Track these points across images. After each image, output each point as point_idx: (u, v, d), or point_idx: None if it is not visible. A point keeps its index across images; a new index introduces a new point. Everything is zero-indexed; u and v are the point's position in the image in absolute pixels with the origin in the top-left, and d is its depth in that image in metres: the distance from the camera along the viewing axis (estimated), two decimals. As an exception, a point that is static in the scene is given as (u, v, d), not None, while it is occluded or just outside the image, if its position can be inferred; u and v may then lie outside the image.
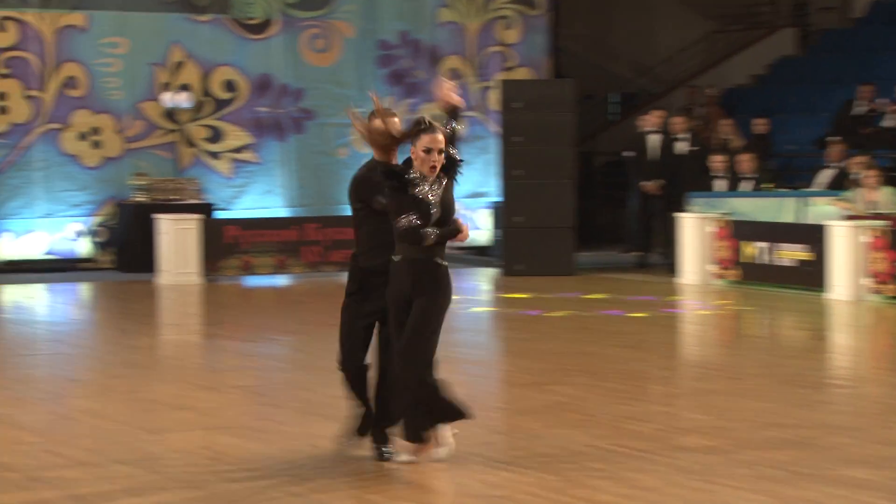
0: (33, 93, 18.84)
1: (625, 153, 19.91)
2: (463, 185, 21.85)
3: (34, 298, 16.45)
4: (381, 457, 7.55)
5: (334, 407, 9.12)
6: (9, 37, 18.72)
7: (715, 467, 7.46)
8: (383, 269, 7.42)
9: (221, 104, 19.87)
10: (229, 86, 19.93)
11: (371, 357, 7.76)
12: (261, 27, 20.05)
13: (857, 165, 16.97)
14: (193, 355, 12.21)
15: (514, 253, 18.41)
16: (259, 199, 19.97)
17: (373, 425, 7.66)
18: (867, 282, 15.25)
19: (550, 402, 9.40)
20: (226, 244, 17.84)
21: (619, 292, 16.07)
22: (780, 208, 17.21)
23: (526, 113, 18.39)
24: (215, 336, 13.36)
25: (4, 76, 18.68)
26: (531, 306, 14.95)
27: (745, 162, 18.22)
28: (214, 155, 19.88)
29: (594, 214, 22.16)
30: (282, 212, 19.82)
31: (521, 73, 21.28)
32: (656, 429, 7.75)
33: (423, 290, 7.28)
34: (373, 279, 7.56)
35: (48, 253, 18.87)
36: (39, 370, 11.06)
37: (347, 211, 21.56)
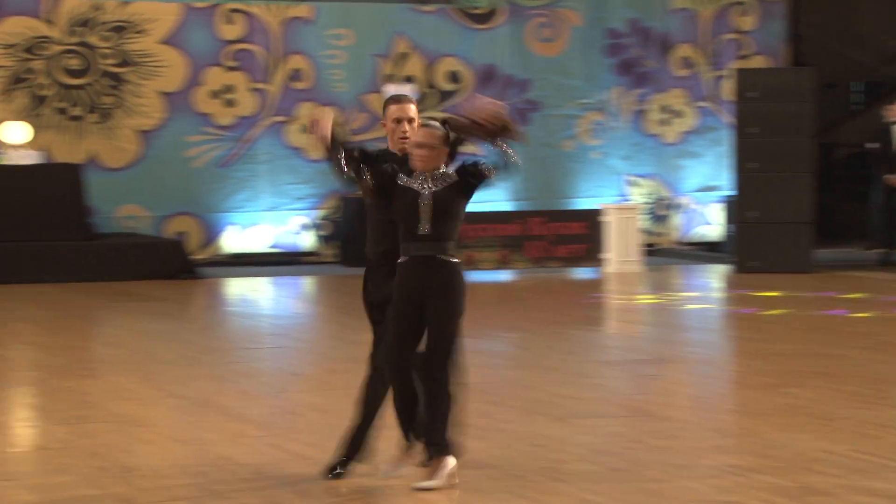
0: (259, 85, 18.96)
1: (868, 145, 19.13)
2: (693, 178, 21.35)
3: (258, 291, 16.55)
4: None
5: (558, 406, 8.98)
6: (236, 29, 18.87)
7: None
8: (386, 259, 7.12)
9: (445, 95, 19.74)
10: (453, 77, 19.79)
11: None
12: (486, 17, 19.86)
13: None
14: (414, 350, 12.00)
15: (747, 249, 17.87)
16: (482, 192, 19.71)
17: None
18: None
19: (784, 405, 9.09)
20: (466, 236, 17.70)
21: (868, 291, 15.41)
22: None
23: (762, 103, 17.81)
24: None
25: (231, 69, 18.83)
26: (765, 305, 14.45)
27: None
28: (438, 148, 19.72)
29: (833, 209, 21.37)
30: (505, 205, 19.58)
31: (757, 62, 20.67)
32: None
33: (433, 294, 6.87)
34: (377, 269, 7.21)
35: (272, 246, 19.00)
36: (263, 364, 11.10)
37: (574, 205, 21.34)
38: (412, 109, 6.93)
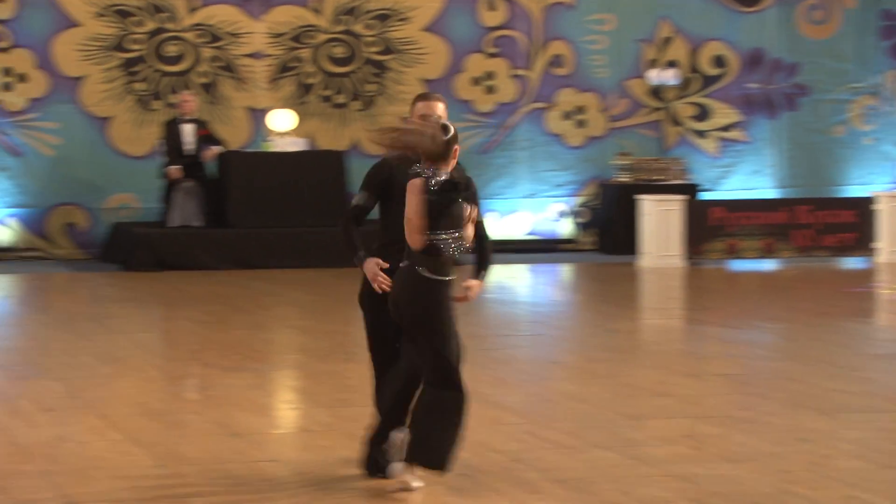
0: (519, 72, 18.94)
1: None
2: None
3: (516, 279, 16.54)
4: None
5: (826, 400, 8.74)
6: (498, 16, 18.89)
7: None
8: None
9: (709, 81, 19.39)
10: (718, 61, 19.41)
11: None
12: (754, 0, 19.40)
13: None
14: (675, 341, 11.92)
15: None
16: (746, 179, 19.36)
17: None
18: None
19: None
20: (710, 226, 17.33)
21: None
22: None
23: None
24: (698, 321, 12.98)
25: (492, 55, 18.86)
26: None
27: None
28: (701, 134, 19.43)
29: None
30: (770, 193, 19.13)
31: None
32: None
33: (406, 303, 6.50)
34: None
35: (530, 233, 18.96)
36: (521, 351, 11.08)
37: (844, 192, 20.60)
38: (440, 108, 6.66)
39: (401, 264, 6.52)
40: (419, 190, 6.40)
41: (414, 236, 6.45)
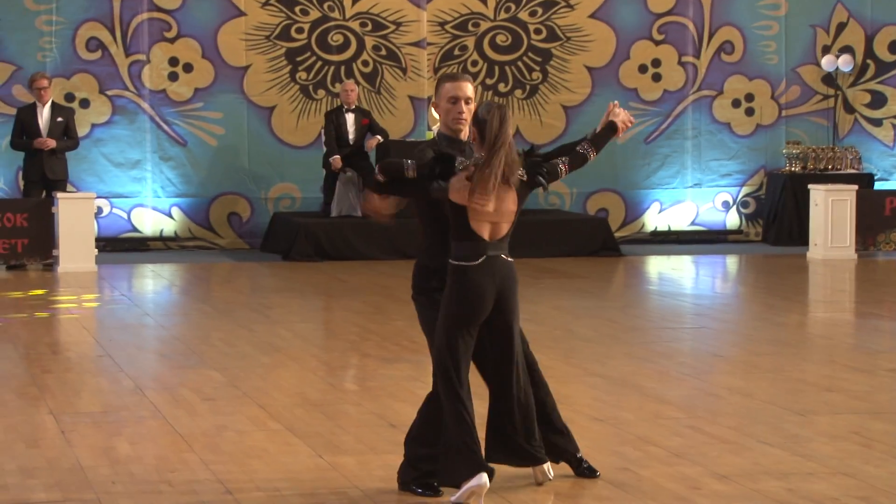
0: (687, 59, 18.62)
1: None
2: None
3: (680, 270, 16.28)
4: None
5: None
6: (666, 2, 18.57)
7: None
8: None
9: (885, 67, 18.84)
10: (895, 47, 18.85)
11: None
12: (939, -19, 18.89)
13: None
14: (845, 334, 11.60)
15: None
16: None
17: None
18: None
19: None
20: (885, 217, 16.84)
21: None
22: None
23: None
24: (870, 315, 12.61)
25: (659, 42, 18.57)
26: None
27: None
28: (875, 122, 18.90)
29: None
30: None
31: None
32: None
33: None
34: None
35: (695, 224, 18.64)
36: (684, 344, 10.91)
37: None
38: (469, 88, 6.34)
39: (492, 254, 6.23)
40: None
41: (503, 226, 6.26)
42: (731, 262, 16.90)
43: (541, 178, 6.25)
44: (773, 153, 18.56)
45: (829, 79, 18.77)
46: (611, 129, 6.55)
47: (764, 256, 17.09)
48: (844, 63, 18.62)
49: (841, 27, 18.81)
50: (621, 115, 6.53)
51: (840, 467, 6.81)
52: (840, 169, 18.10)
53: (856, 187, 16.90)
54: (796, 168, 18.19)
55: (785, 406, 8.29)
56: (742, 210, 18.71)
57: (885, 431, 7.58)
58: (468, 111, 6.30)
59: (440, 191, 6.23)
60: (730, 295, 14.57)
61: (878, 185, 18.14)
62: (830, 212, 16.61)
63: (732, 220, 18.73)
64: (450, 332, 6.24)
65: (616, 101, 6.68)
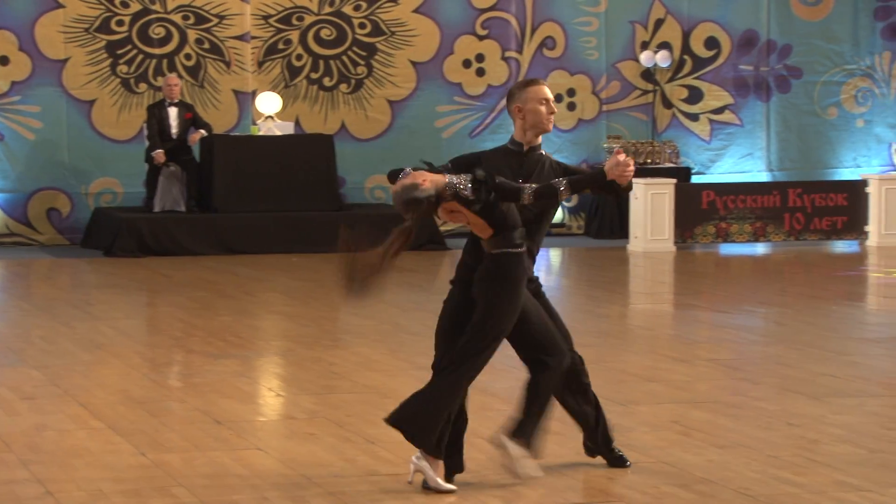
0: (511, 54, 18.80)
1: None
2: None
3: (507, 262, 16.38)
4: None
5: (816, 384, 8.69)
6: (488, -3, 18.75)
7: None
8: None
9: (702, 63, 19.25)
10: (711, 43, 19.27)
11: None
12: (747, -20, 19.34)
13: None
14: (665, 325, 11.85)
15: None
16: (738, 162, 19.25)
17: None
18: None
19: None
20: (701, 210, 17.23)
21: None
22: None
23: None
24: (688, 306, 12.89)
25: (483, 37, 18.71)
26: None
27: None
28: (692, 116, 19.30)
29: None
30: (762, 176, 19.05)
31: None
32: None
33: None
34: None
35: (521, 217, 18.80)
36: (508, 335, 10.89)
37: (835, 175, 20.55)
38: (548, 92, 6.67)
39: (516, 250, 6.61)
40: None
41: None
42: (555, 254, 17.11)
43: (481, 195, 6.42)
44: (595, 147, 18.84)
45: (648, 74, 19.12)
46: (601, 175, 6.52)
47: (586, 249, 17.34)
48: (662, 59, 18.98)
49: (659, 23, 19.16)
50: (612, 164, 6.44)
51: (661, 456, 6.93)
52: (659, 163, 18.44)
53: (674, 181, 17.24)
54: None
55: (608, 396, 8.32)
56: (564, 203, 18.96)
57: (704, 420, 7.74)
58: (549, 108, 6.63)
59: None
60: (553, 287, 14.74)
61: (695, 179, 18.53)
62: (650, 205, 16.94)
63: (556, 213, 18.94)
64: None
65: (619, 148, 6.66)
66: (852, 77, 19.55)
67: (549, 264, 16.67)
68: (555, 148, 18.88)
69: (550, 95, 6.66)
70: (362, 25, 18.36)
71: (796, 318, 11.79)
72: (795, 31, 19.38)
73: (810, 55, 19.37)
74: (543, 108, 6.61)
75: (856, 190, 17.46)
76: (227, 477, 6.58)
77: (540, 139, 6.70)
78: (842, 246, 17.30)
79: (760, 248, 17.29)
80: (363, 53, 18.36)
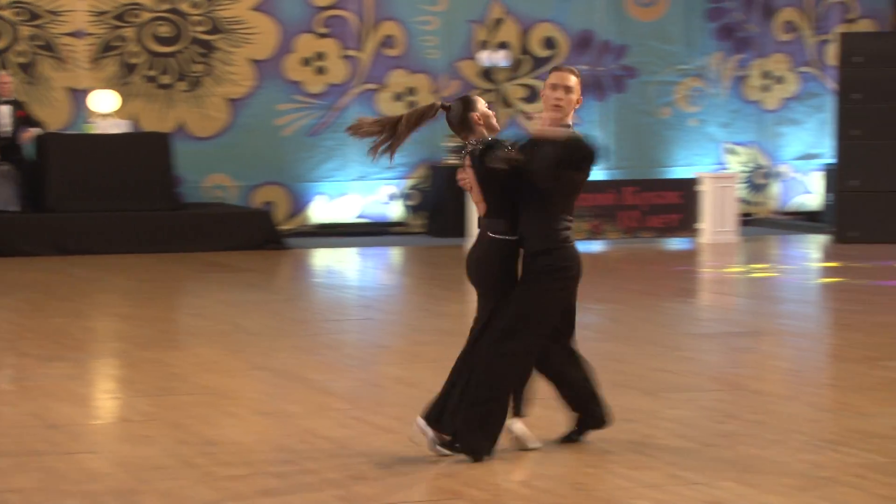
0: (350, 52, 18.79)
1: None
2: (793, 145, 20.95)
3: (345, 262, 16.45)
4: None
5: (650, 380, 8.82)
6: (328, -4, 18.71)
7: None
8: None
9: (540, 62, 19.44)
10: (548, 43, 19.48)
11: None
12: (584, -18, 19.57)
13: None
14: (504, 322, 11.81)
15: (847, 219, 17.46)
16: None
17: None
18: None
19: (883, 379, 8.91)
20: (541, 207, 17.34)
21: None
22: None
23: (866, 68, 17.37)
24: (527, 302, 12.94)
25: (323, 35, 18.67)
26: (865, 275, 14.08)
27: None
28: (531, 116, 19.46)
29: None
30: (598, 174, 19.25)
31: (863, 26, 20.17)
32: None
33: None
34: None
35: (360, 216, 18.83)
36: (349, 336, 10.99)
37: (669, 174, 20.94)
38: (572, 80, 6.95)
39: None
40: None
41: None
42: (396, 253, 17.15)
43: (474, 151, 6.86)
44: (435, 146, 18.90)
45: (487, 74, 19.25)
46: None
47: (427, 248, 17.40)
48: (501, 58, 19.13)
49: (497, 23, 19.31)
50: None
51: (498, 452, 6.96)
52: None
53: (514, 180, 17.34)
54: (456, 161, 18.54)
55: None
56: (406, 202, 19.00)
57: (538, 415, 7.76)
58: (567, 100, 6.88)
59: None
60: (394, 286, 14.79)
61: (534, 178, 18.67)
62: (489, 204, 17.00)
63: (397, 212, 18.99)
64: None
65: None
66: (685, 77, 19.92)
67: (390, 263, 16.71)
68: (395, 147, 18.87)
69: (563, 83, 6.87)
70: (200, 23, 18.18)
71: (631, 314, 11.96)
72: (630, 32, 19.68)
73: (645, 55, 19.69)
74: (549, 93, 6.89)
75: (689, 188, 17.80)
76: (60, 482, 6.47)
77: (568, 121, 6.94)
78: (676, 243, 17.63)
79: (597, 246, 17.52)
80: (202, 51, 18.19)
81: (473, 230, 16.86)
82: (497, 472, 6.66)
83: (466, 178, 6.94)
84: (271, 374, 9.15)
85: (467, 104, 6.99)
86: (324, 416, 7.83)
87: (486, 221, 6.93)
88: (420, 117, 7.04)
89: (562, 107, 6.88)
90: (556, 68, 7.04)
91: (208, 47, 18.23)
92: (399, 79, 18.93)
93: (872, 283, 13.66)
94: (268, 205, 18.21)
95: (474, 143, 6.91)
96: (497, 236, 6.91)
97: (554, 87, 6.89)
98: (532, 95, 19.47)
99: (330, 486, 6.40)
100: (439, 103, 7.08)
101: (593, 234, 17.61)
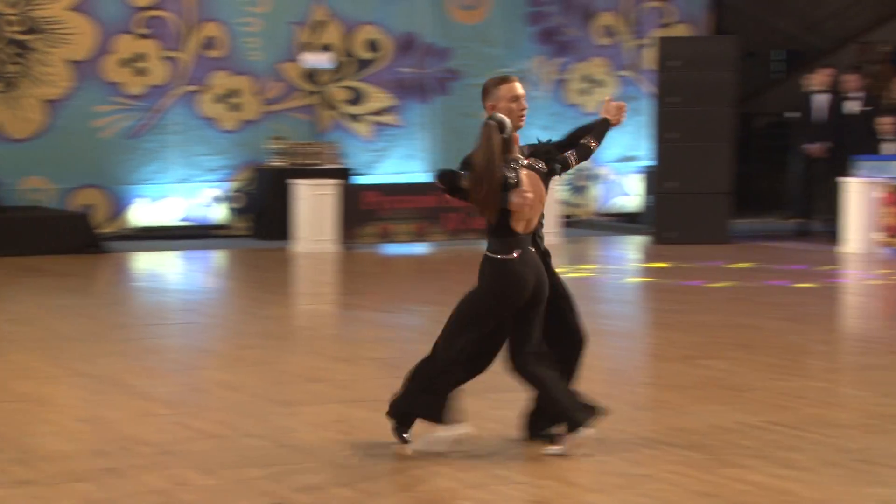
0: (171, 53, 18.56)
1: (788, 114, 19.11)
2: (613, 147, 21.41)
3: (167, 266, 16.25)
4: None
5: (475, 381, 8.76)
6: (149, -4, 18.45)
7: (874, 446, 7.16)
8: None
9: (363, 65, 19.45)
10: (372, 45, 19.50)
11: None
12: (406, -16, 19.62)
13: None
14: (329, 326, 11.93)
15: (666, 220, 17.82)
16: (400, 163, 19.53)
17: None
18: None
19: (701, 377, 9.12)
20: (364, 210, 17.42)
21: (774, 261, 15.43)
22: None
23: (683, 72, 17.72)
24: (352, 306, 13.01)
25: (143, 36, 18.41)
26: (682, 276, 14.39)
27: (918, 123, 17.49)
28: (355, 118, 19.49)
29: (753, 179, 21.37)
30: (423, 177, 19.36)
31: (680, 30, 20.60)
32: (813, 406, 7.25)
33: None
34: None
35: (183, 219, 18.61)
36: (171, 340, 10.86)
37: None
38: (520, 88, 6.99)
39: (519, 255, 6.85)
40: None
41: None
42: (220, 256, 17.00)
43: (556, 166, 6.91)
44: (259, 148, 18.77)
45: (311, 75, 19.19)
46: (606, 122, 7.15)
47: (252, 251, 17.27)
48: (324, 60, 19.09)
49: (320, 25, 19.25)
50: (611, 111, 7.12)
51: (324, 456, 6.96)
52: (321, 164, 18.53)
53: (336, 182, 17.38)
54: (281, 163, 18.48)
55: (271, 398, 8.40)
56: (230, 205, 18.83)
57: (366, 419, 7.80)
58: (518, 107, 6.91)
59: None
60: (218, 290, 14.65)
61: (357, 180, 18.70)
62: (313, 206, 17.02)
63: (221, 214, 18.81)
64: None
65: (609, 97, 7.23)
66: (508, 80, 20.07)
67: (214, 267, 16.55)
68: (219, 149, 18.74)
69: (522, 92, 6.90)
70: (16, 23, 17.77)
71: (456, 315, 12.01)
72: (453, 35, 19.80)
73: (468, 58, 19.83)
74: (514, 106, 6.84)
75: (512, 190, 17.93)
76: None
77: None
78: (500, 245, 17.74)
79: (422, 248, 17.60)
80: (18, 51, 17.78)
81: (299, 232, 16.85)
82: (323, 474, 6.64)
83: (530, 193, 6.77)
84: (91, 379, 9.00)
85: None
86: (145, 421, 7.74)
87: (529, 238, 6.95)
88: (503, 145, 6.74)
89: (524, 117, 6.96)
90: (505, 80, 7.00)
91: (24, 48, 17.83)
92: (221, 80, 18.76)
93: (690, 284, 13.95)
94: (86, 208, 17.87)
95: (528, 154, 6.91)
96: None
97: (515, 98, 6.90)
98: (356, 97, 19.45)
99: (152, 493, 6.31)
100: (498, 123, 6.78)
101: (418, 237, 17.68)
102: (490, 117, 6.78)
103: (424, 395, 6.92)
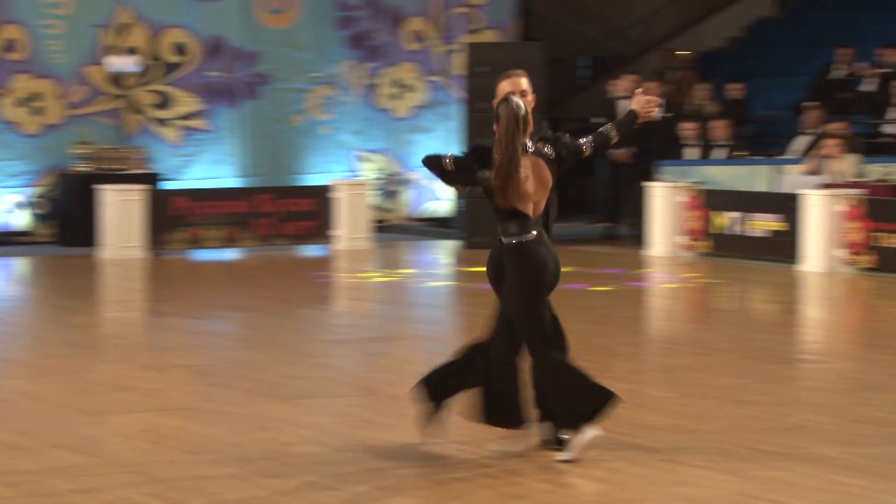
0: (-29, 56, 18.08)
1: (594, 119, 19.42)
2: (423, 152, 21.48)
3: (-29, 273, 15.81)
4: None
5: (285, 387, 8.83)
6: (-55, -2, 17.93)
7: (680, 446, 7.32)
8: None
9: (170, 68, 19.20)
10: (179, 49, 19.25)
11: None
12: (212, -13, 19.41)
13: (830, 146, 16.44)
14: (136, 333, 11.76)
15: (476, 225, 17.93)
16: (209, 168, 19.32)
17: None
18: (841, 253, 15.07)
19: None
20: (172, 216, 17.19)
21: (584, 265, 15.67)
22: (754, 177, 16.96)
23: (492, 77, 17.73)
24: (160, 313, 12.84)
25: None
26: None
27: (719, 129, 17.97)
28: (162, 122, 19.22)
29: (561, 184, 21.58)
30: (233, 182, 19.20)
31: (488, 36, 20.77)
32: (619, 407, 7.32)
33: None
34: None
35: (-16, 226, 18.13)
36: (-31, 349, 10.52)
37: (303, 181, 21.12)
38: (524, 83, 7.03)
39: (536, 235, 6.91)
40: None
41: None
42: (23, 264, 16.60)
43: (563, 152, 6.88)
44: (63, 153, 18.37)
45: (116, 79, 18.86)
46: (633, 114, 7.05)
47: (56, 257, 16.91)
48: (130, 64, 18.79)
49: (125, 28, 18.93)
50: (641, 103, 7.02)
51: (132, 465, 6.85)
52: (128, 169, 18.22)
53: (144, 187, 17.12)
54: (86, 168, 18.12)
55: (77, 408, 8.25)
56: (34, 211, 18.38)
57: (176, 427, 7.72)
58: (526, 102, 6.87)
59: (485, 180, 6.79)
60: (21, 298, 14.31)
61: (164, 185, 18.44)
62: (120, 212, 16.74)
63: (25, 221, 18.35)
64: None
65: (640, 89, 7.21)
66: (317, 85, 20.05)
67: (16, 274, 16.15)
68: (20, 154, 18.29)
69: (519, 88, 6.95)
70: None
71: (267, 321, 11.97)
72: (262, 39, 19.66)
73: (277, 63, 19.71)
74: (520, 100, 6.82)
75: (323, 195, 17.94)
76: None
77: None
78: (311, 250, 17.73)
79: (232, 254, 17.44)
80: None
81: (105, 238, 16.55)
82: (133, 485, 6.52)
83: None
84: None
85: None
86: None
87: (540, 220, 6.99)
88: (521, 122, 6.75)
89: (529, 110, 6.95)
90: (506, 75, 7.10)
91: None
92: (23, 84, 18.31)
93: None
94: None
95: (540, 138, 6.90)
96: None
97: (521, 92, 6.95)
98: (164, 101, 19.18)
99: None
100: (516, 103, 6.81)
101: (228, 242, 17.52)
102: (506, 98, 6.85)
103: (580, 392, 6.96)
